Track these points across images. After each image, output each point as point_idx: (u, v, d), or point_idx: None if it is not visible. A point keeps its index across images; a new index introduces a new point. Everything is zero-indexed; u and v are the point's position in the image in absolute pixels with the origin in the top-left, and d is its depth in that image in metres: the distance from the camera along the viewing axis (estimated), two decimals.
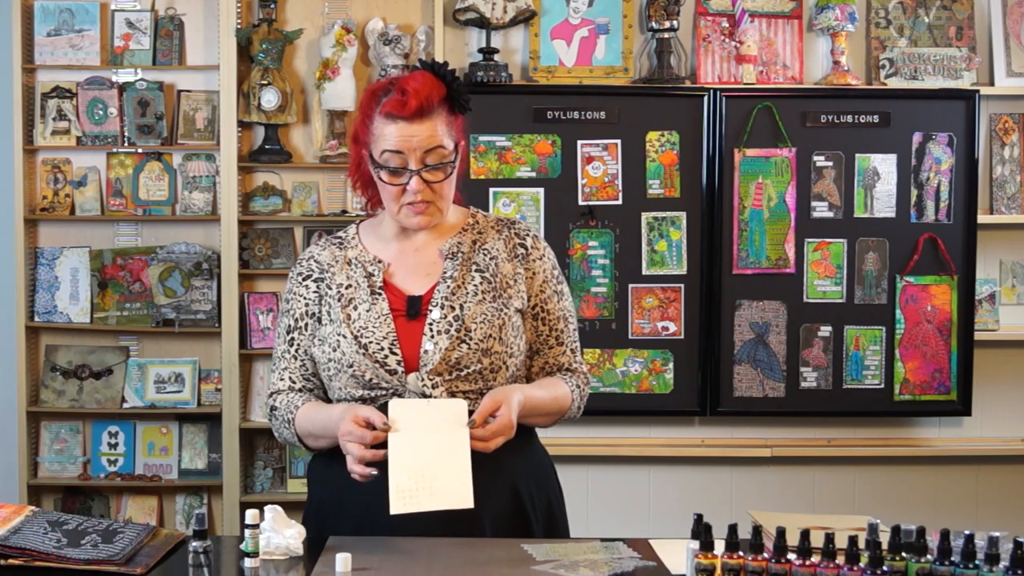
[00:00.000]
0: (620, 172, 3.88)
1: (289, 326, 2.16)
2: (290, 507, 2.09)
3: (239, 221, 3.84)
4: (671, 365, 3.90)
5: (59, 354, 3.93)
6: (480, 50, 3.89)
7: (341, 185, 3.93)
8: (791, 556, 1.63)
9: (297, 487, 3.91)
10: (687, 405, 3.91)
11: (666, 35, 3.89)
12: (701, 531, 1.68)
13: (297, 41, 3.91)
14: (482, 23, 3.85)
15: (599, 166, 3.87)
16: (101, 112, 3.87)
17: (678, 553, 1.88)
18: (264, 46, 3.82)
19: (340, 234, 2.24)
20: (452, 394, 2.05)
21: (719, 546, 1.66)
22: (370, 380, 2.05)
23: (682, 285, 3.89)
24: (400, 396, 2.04)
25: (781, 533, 1.63)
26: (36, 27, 3.86)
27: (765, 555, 1.64)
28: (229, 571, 1.90)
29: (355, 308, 2.09)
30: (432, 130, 2.04)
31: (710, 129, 3.86)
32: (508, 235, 2.20)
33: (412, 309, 2.09)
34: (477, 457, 1.94)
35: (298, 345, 2.15)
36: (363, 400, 2.07)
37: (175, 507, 3.97)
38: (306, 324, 2.15)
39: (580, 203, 3.86)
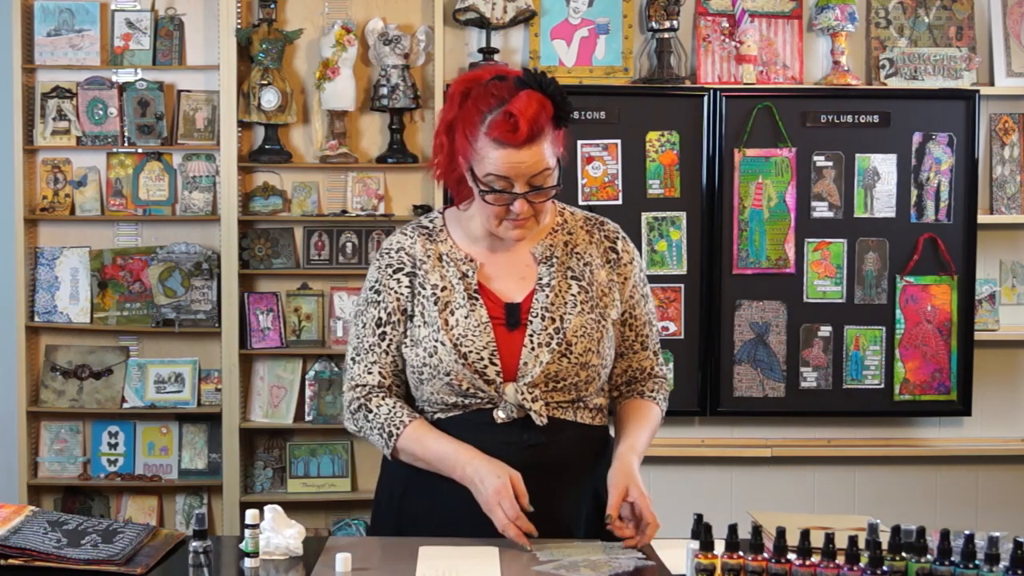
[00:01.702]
0: (620, 172, 3.88)
1: (379, 319, 2.10)
2: (290, 507, 2.09)
3: (239, 221, 3.84)
4: (671, 365, 3.89)
5: (59, 354, 3.93)
6: (480, 50, 3.89)
7: (341, 185, 3.93)
8: (791, 556, 1.63)
9: (297, 487, 3.91)
10: (687, 405, 3.91)
11: (666, 35, 3.89)
12: (701, 531, 1.68)
13: (297, 41, 3.91)
14: (482, 23, 3.85)
15: (599, 166, 3.87)
16: (101, 112, 3.87)
17: (678, 553, 1.88)
18: (264, 46, 3.82)
19: (426, 224, 2.17)
20: (547, 404, 2.04)
21: (719, 546, 1.66)
22: (467, 389, 2.03)
23: (682, 285, 3.89)
24: (495, 405, 2.03)
25: (781, 533, 1.63)
26: (36, 27, 3.86)
27: (765, 555, 1.64)
28: (229, 571, 1.90)
29: (452, 313, 2.05)
30: (539, 154, 1.96)
31: (710, 129, 3.86)
32: (599, 238, 2.16)
33: (512, 319, 2.06)
34: (559, 467, 2.00)
35: (390, 340, 2.10)
36: (455, 407, 2.06)
37: (175, 507, 3.97)
38: (398, 320, 2.10)
39: (580, 203, 3.85)
